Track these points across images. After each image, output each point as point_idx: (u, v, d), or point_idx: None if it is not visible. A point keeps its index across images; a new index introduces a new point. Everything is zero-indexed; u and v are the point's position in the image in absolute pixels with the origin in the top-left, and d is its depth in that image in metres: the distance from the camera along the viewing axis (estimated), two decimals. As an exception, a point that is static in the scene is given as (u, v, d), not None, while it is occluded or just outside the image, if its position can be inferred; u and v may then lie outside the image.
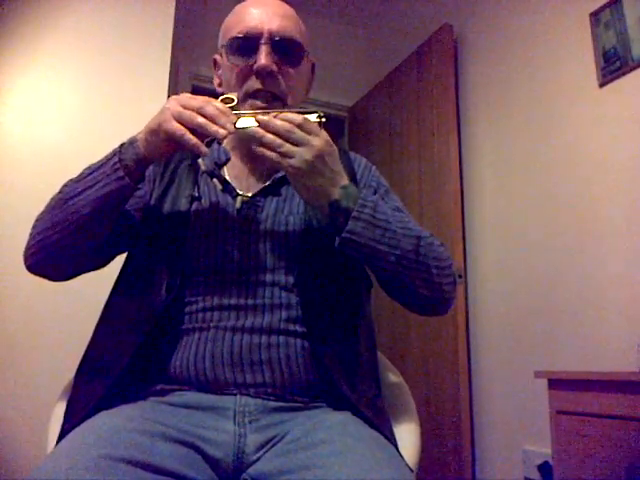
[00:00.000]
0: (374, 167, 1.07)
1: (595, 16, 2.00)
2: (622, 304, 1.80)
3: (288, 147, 0.79)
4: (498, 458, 2.21)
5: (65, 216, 0.86)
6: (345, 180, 0.84)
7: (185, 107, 0.80)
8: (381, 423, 0.84)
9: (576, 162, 2.04)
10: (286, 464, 0.72)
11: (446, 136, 2.54)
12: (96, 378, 0.84)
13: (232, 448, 0.76)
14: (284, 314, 0.86)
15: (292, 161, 0.79)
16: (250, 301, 0.86)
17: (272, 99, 0.92)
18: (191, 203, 0.93)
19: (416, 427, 0.97)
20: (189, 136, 0.78)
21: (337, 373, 0.84)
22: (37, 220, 0.92)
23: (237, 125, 0.83)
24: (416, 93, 2.78)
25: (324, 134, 0.82)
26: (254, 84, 0.91)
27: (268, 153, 0.80)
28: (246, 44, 0.91)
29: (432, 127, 2.64)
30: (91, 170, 0.87)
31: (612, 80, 1.92)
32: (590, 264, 1.93)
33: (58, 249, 0.88)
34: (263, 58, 0.89)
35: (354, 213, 0.81)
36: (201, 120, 0.79)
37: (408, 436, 0.93)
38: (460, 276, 2.37)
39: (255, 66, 0.90)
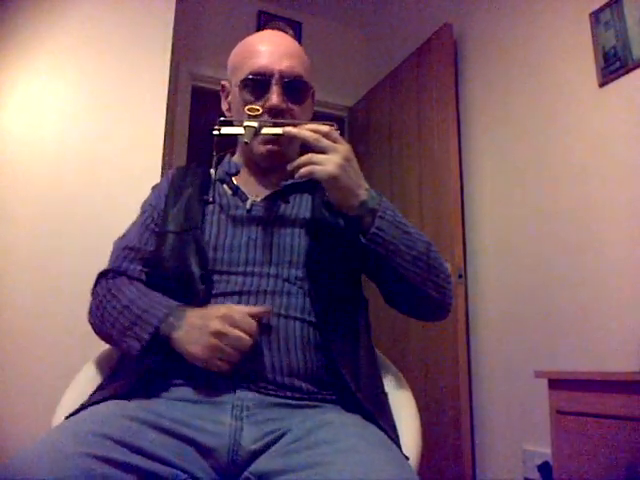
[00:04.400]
0: None
1: (595, 16, 2.00)
2: (622, 304, 1.80)
3: (318, 157, 0.87)
4: (498, 458, 2.21)
5: (104, 336, 0.96)
6: (366, 183, 0.92)
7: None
8: (383, 420, 0.85)
9: (576, 161, 2.04)
10: (289, 463, 0.73)
11: (446, 136, 2.54)
12: (124, 373, 0.90)
13: (227, 439, 0.77)
14: (285, 300, 0.90)
15: (326, 168, 0.86)
16: (253, 288, 0.91)
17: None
18: (204, 206, 1.00)
19: (416, 427, 0.97)
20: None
21: (341, 364, 0.87)
22: (91, 310, 0.99)
23: (263, 131, 0.94)
24: (416, 93, 2.78)
25: (345, 142, 0.91)
26: None
27: (302, 170, 0.87)
28: (258, 84, 1.00)
29: (432, 127, 2.64)
30: (124, 317, 0.90)
31: (612, 80, 1.92)
32: (590, 264, 1.93)
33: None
34: (275, 99, 0.98)
35: (379, 213, 0.90)
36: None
37: (409, 436, 0.93)
38: (460, 276, 2.37)
39: (267, 105, 0.99)
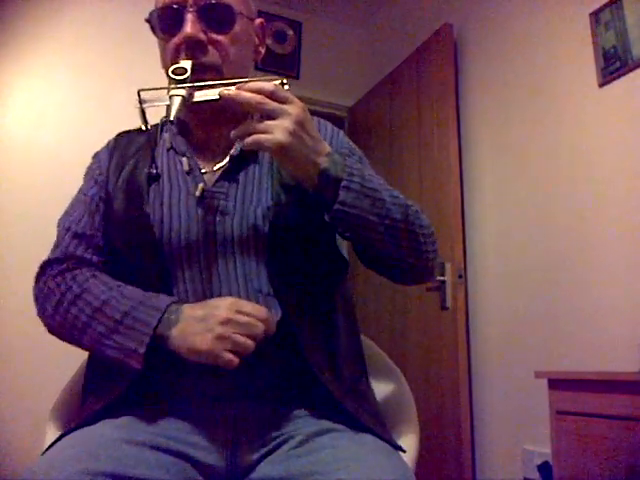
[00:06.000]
0: (342, 132, 0.99)
1: (595, 16, 2.00)
2: (622, 304, 1.80)
3: (264, 124, 0.72)
4: (498, 458, 2.21)
5: (66, 338, 0.82)
6: (327, 147, 0.78)
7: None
8: (362, 409, 0.81)
9: (576, 162, 2.04)
10: (289, 470, 0.71)
11: (446, 136, 2.54)
12: (104, 385, 0.81)
13: (224, 453, 0.75)
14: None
15: (273, 137, 0.71)
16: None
17: (205, 71, 0.82)
18: (148, 181, 0.85)
19: (416, 427, 0.97)
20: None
21: (314, 357, 0.80)
22: (44, 308, 0.84)
23: (195, 99, 0.77)
24: (416, 93, 2.78)
25: (297, 100, 0.75)
26: (183, 59, 0.82)
27: (247, 140, 0.72)
28: (171, 15, 0.83)
29: (432, 127, 2.64)
30: (109, 323, 0.76)
31: (612, 80, 1.92)
32: (590, 264, 1.93)
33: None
34: (188, 27, 0.81)
35: (344, 183, 0.75)
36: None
37: (408, 436, 0.93)
38: (460, 276, 2.37)
39: (182, 37, 0.82)
